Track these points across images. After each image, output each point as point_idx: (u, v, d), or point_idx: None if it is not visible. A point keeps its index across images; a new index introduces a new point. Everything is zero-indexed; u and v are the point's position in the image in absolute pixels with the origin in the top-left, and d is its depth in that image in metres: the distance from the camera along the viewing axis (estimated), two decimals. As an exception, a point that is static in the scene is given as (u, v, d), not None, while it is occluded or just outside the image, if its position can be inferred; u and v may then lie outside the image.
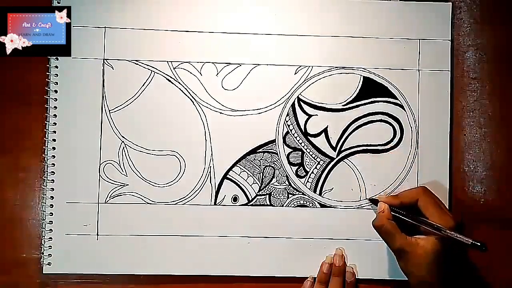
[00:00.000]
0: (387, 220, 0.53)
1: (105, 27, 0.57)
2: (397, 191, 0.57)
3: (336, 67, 0.58)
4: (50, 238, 0.56)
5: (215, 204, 0.57)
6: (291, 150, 0.58)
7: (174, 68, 0.58)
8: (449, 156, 0.58)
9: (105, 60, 0.57)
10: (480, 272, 0.58)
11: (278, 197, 0.58)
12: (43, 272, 0.56)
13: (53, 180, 0.56)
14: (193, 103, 0.58)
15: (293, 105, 0.58)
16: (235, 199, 0.57)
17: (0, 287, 0.57)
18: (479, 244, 0.48)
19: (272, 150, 0.58)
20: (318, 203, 0.58)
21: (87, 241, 0.56)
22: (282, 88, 0.58)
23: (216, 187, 0.57)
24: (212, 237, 0.57)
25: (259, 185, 0.58)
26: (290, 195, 0.58)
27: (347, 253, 0.57)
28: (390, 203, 0.54)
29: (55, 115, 0.57)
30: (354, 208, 0.57)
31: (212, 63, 0.58)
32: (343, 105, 0.58)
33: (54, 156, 0.57)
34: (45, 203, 0.56)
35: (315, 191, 0.58)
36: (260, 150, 0.58)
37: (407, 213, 0.53)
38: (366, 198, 0.57)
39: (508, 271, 0.58)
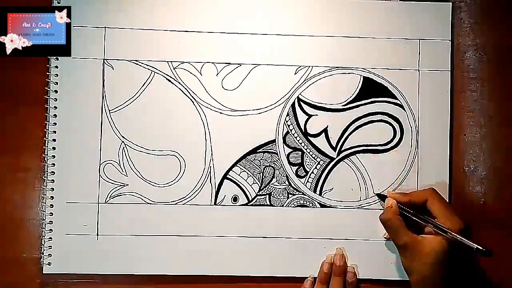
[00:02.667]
0: (395, 215, 0.53)
1: (105, 27, 0.57)
2: (398, 191, 0.57)
3: (336, 67, 0.58)
4: (50, 238, 0.56)
5: (215, 204, 0.57)
6: (291, 150, 0.58)
7: (174, 68, 0.58)
8: (449, 156, 0.58)
9: (105, 60, 0.57)
10: (485, 274, 0.57)
11: (278, 197, 0.58)
12: (43, 272, 0.56)
13: (53, 180, 0.56)
14: (193, 103, 0.58)
15: (293, 105, 0.58)
16: (235, 199, 0.57)
17: (0, 287, 0.57)
18: (484, 250, 0.48)
19: (272, 150, 0.58)
20: (318, 203, 0.58)
21: (87, 241, 0.56)
22: (282, 88, 0.58)
23: (216, 187, 0.57)
24: (212, 237, 0.57)
25: (259, 185, 0.58)
26: (290, 195, 0.58)
27: (347, 253, 0.57)
28: (398, 200, 0.54)
29: (55, 115, 0.57)
30: (354, 208, 0.57)
31: (212, 63, 0.58)
32: (343, 105, 0.58)
33: (54, 156, 0.57)
34: (45, 203, 0.56)
35: (315, 191, 0.58)
36: (260, 150, 0.58)
37: (415, 212, 0.53)
38: (374, 194, 0.57)
39: (509, 272, 0.58)
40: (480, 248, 0.48)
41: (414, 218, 0.53)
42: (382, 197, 0.56)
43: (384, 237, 0.56)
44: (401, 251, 0.52)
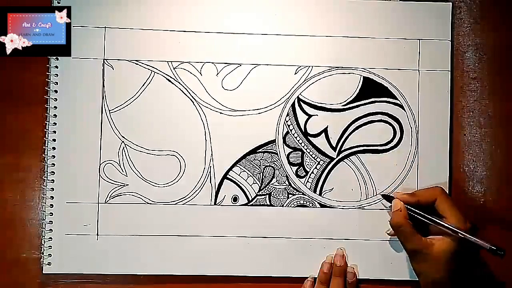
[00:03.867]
0: (405, 219, 0.52)
1: (105, 27, 0.57)
2: (402, 191, 0.57)
3: (336, 67, 0.58)
4: (50, 238, 0.56)
5: (215, 204, 0.57)
6: (291, 150, 0.58)
7: (174, 68, 0.58)
8: (449, 156, 0.58)
9: (105, 60, 0.57)
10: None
11: (278, 197, 0.58)
12: (43, 272, 0.56)
13: (53, 180, 0.56)
14: (193, 103, 0.58)
15: (293, 105, 0.58)
16: (235, 199, 0.57)
17: (0, 287, 0.57)
18: (495, 249, 0.48)
19: (272, 150, 0.58)
20: (318, 203, 0.58)
21: (87, 241, 0.56)
22: (282, 88, 0.58)
23: (216, 187, 0.57)
24: (212, 237, 0.57)
25: (259, 185, 0.58)
26: (290, 195, 0.58)
27: (347, 253, 0.57)
28: (406, 201, 0.54)
29: (55, 115, 0.57)
30: (354, 208, 0.57)
31: (212, 63, 0.58)
32: (343, 105, 0.58)
33: (54, 156, 0.57)
34: (45, 203, 0.56)
35: (315, 191, 0.58)
36: (260, 150, 0.58)
37: (423, 213, 0.53)
38: (380, 195, 0.57)
39: (507, 270, 0.58)
40: (494, 248, 0.48)
41: (423, 219, 0.52)
42: (388, 198, 0.56)
43: (387, 233, 0.56)
44: (411, 256, 0.52)
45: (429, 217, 0.52)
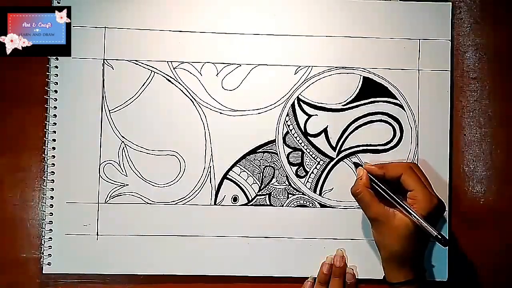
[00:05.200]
0: (365, 187, 0.52)
1: (105, 27, 0.57)
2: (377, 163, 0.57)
3: (336, 67, 0.58)
4: (50, 238, 0.56)
5: (215, 204, 0.57)
6: (291, 150, 0.58)
7: (174, 68, 0.58)
8: (449, 156, 0.58)
9: (105, 60, 0.57)
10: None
11: (278, 197, 0.58)
12: (43, 272, 0.56)
13: (53, 180, 0.56)
14: (193, 103, 0.58)
15: (293, 105, 0.58)
16: (235, 199, 0.57)
17: (0, 287, 0.57)
18: (441, 238, 0.48)
19: (272, 150, 0.58)
20: (318, 203, 0.58)
21: (87, 241, 0.56)
22: (282, 88, 0.58)
23: (216, 187, 0.57)
24: (212, 237, 0.57)
25: (259, 185, 0.58)
26: (290, 195, 0.58)
27: (347, 253, 0.57)
28: (372, 172, 0.53)
29: (55, 115, 0.57)
30: (354, 208, 0.57)
31: (212, 63, 0.58)
32: (343, 105, 0.58)
33: (54, 156, 0.57)
34: (45, 203, 0.56)
35: (315, 191, 0.58)
36: (260, 150, 0.58)
37: (387, 187, 0.52)
38: (352, 162, 0.57)
39: (507, 271, 0.58)
40: (439, 236, 0.48)
41: (383, 192, 0.52)
42: (357, 166, 0.56)
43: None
44: (372, 224, 0.53)
45: (389, 193, 0.52)
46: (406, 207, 0.50)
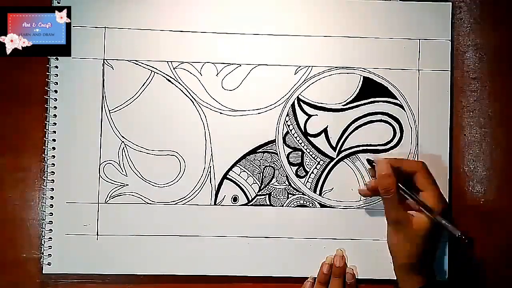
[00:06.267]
0: (395, 186, 0.51)
1: (105, 27, 0.57)
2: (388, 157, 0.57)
3: (336, 67, 0.58)
4: (50, 238, 0.56)
5: (215, 204, 0.57)
6: (291, 150, 0.58)
7: (174, 68, 0.58)
8: (449, 156, 0.58)
9: (105, 60, 0.57)
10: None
11: (278, 197, 0.58)
12: (43, 272, 0.56)
13: (53, 180, 0.56)
14: (193, 103, 0.58)
15: (293, 105, 0.58)
16: (235, 199, 0.57)
17: (0, 287, 0.57)
18: (465, 239, 0.48)
19: (272, 150, 0.58)
20: (318, 203, 0.58)
21: (87, 241, 0.56)
22: (282, 88, 0.58)
23: (216, 187, 0.57)
24: (212, 237, 0.57)
25: (259, 185, 0.58)
26: (290, 195, 0.58)
27: (347, 253, 0.57)
28: (393, 165, 0.52)
29: (55, 115, 0.57)
30: (354, 208, 0.57)
31: (212, 63, 0.58)
32: (343, 105, 0.58)
33: (54, 156, 0.57)
34: (45, 203, 0.56)
35: (315, 191, 0.58)
36: (260, 150, 0.58)
37: (404, 187, 0.52)
38: (366, 159, 0.56)
39: (507, 270, 0.58)
40: (462, 236, 0.48)
41: (404, 194, 0.52)
42: (371, 162, 0.56)
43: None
44: (393, 225, 0.52)
45: (409, 192, 0.52)
46: (428, 206, 0.50)
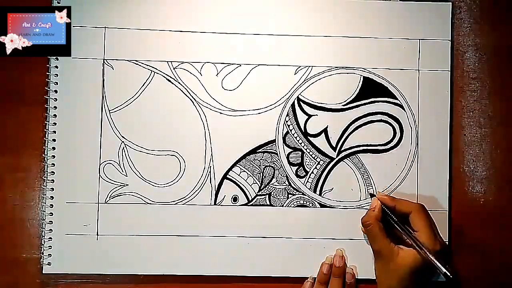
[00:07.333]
0: (375, 220, 0.53)
1: (105, 27, 0.57)
2: (398, 191, 0.57)
3: (336, 67, 0.58)
4: (50, 238, 0.56)
5: (215, 204, 0.57)
6: (291, 150, 0.58)
7: (174, 68, 0.58)
8: (449, 156, 0.58)
9: (105, 60, 0.57)
10: None
11: (278, 197, 0.58)
12: (43, 272, 0.56)
13: (53, 180, 0.56)
14: (193, 103, 0.58)
15: (293, 105, 0.58)
16: (235, 199, 0.57)
17: (0, 287, 0.57)
18: (450, 276, 0.48)
19: (272, 150, 0.58)
20: (318, 203, 0.58)
21: (87, 241, 0.56)
22: (282, 88, 0.58)
23: (216, 187, 0.57)
24: (212, 237, 0.57)
25: (259, 185, 0.58)
26: (290, 195, 0.58)
27: (347, 253, 0.57)
28: (385, 203, 0.54)
29: (55, 115, 0.57)
30: (354, 208, 0.57)
31: (212, 63, 0.58)
32: (343, 105, 0.58)
33: (54, 156, 0.57)
34: (45, 203, 0.56)
35: (315, 191, 0.58)
36: (260, 150, 0.58)
37: (398, 220, 0.53)
38: (369, 193, 0.57)
39: (507, 271, 0.58)
40: (448, 273, 0.49)
41: (395, 225, 0.53)
42: (373, 196, 0.57)
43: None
44: (376, 256, 0.53)
45: (401, 225, 0.53)
46: (417, 241, 0.51)
